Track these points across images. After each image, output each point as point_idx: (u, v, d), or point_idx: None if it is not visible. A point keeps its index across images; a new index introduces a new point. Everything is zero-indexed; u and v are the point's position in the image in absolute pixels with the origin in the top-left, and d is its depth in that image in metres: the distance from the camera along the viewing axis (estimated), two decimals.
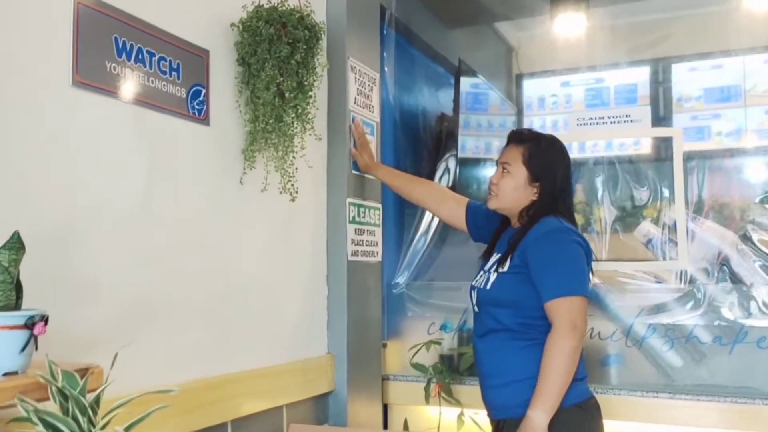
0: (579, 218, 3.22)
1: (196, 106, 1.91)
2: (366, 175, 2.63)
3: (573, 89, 4.56)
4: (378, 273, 2.76)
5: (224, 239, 2.03)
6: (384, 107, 2.89)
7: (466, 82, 3.96)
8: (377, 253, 2.74)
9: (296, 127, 2.09)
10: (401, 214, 2.98)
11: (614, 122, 2.60)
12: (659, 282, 2.62)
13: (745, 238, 2.54)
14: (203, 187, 1.95)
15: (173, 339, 1.84)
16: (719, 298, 2.48)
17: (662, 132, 3.11)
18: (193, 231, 1.91)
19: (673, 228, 2.57)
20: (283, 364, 2.28)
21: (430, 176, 3.07)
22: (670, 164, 2.76)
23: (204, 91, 1.94)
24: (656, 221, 2.69)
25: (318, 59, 2.15)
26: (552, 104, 4.65)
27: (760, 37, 3.77)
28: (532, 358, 1.92)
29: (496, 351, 2.02)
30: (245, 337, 2.12)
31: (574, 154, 4.35)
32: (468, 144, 3.88)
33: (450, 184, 3.05)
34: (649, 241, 2.64)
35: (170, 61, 1.82)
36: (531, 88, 4.72)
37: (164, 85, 1.80)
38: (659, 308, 2.55)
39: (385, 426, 2.86)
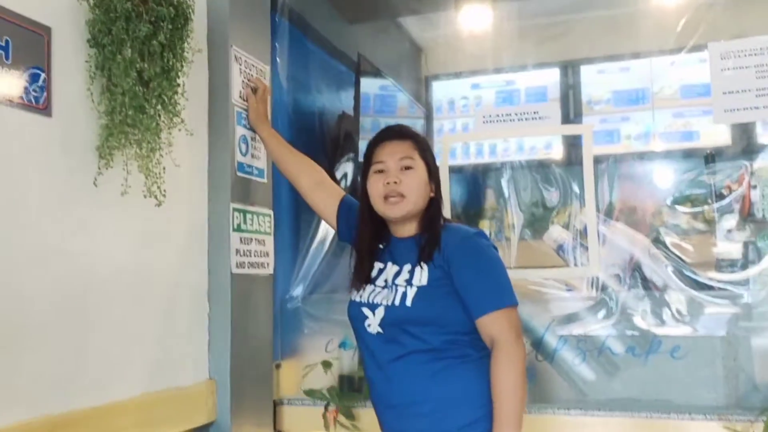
0: (490, 225, 3.05)
1: (33, 93, 1.60)
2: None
3: (483, 91, 4.42)
4: (269, 286, 2.48)
5: (74, 250, 1.72)
6: (276, 103, 2.63)
7: (374, 84, 3.76)
8: (268, 265, 2.47)
9: (162, 120, 1.81)
10: (296, 221, 2.72)
11: (522, 119, 2.43)
12: (570, 290, 2.46)
13: (657, 242, 2.41)
14: (45, 189, 1.64)
15: (6, 370, 1.52)
16: (632, 305, 2.34)
17: (572, 129, 2.99)
18: (32, 242, 1.60)
19: (585, 232, 2.42)
20: (152, 393, 1.98)
21: None
22: (581, 168, 2.64)
23: (43, 75, 1.64)
24: (567, 226, 2.54)
25: (189, 42, 1.88)
26: (462, 107, 4.50)
27: (667, 39, 3.72)
28: (463, 378, 1.73)
29: (417, 375, 1.76)
30: (104, 364, 1.81)
31: (485, 158, 4.25)
32: None
33: (348, 190, 2.81)
34: (560, 246, 2.48)
35: None
36: (440, 91, 4.57)
37: None
38: (570, 318, 2.39)
39: None
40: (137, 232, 1.93)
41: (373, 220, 1.87)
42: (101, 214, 1.80)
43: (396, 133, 1.88)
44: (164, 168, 1.85)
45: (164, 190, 1.85)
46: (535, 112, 2.42)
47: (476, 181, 3.43)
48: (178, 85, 1.82)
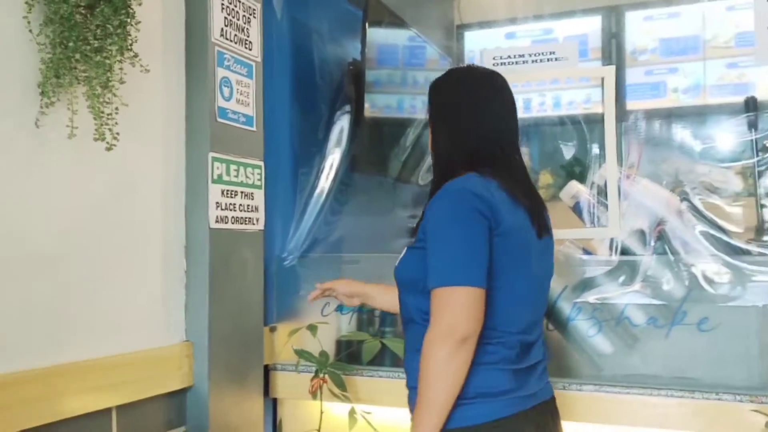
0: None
1: None
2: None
3: (518, 41, 4.11)
4: (259, 244, 2.31)
5: (19, 198, 1.57)
6: (271, 47, 2.42)
7: (402, 35, 3.53)
8: (258, 220, 2.29)
9: (110, 53, 1.62)
10: (293, 174, 2.53)
11: (536, 60, 2.16)
12: (588, 253, 2.20)
13: (688, 201, 2.12)
14: None
15: None
16: (656, 271, 2.07)
17: (591, 71, 2.69)
18: None
19: (605, 189, 2.15)
20: (119, 354, 1.83)
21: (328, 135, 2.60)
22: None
23: None
24: (586, 182, 2.27)
25: None
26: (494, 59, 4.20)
27: None
28: None
29: (406, 345, 1.63)
30: (66, 323, 1.68)
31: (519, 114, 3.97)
32: (405, 103, 3.45)
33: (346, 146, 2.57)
34: (577, 204, 2.21)
35: None
36: (473, 42, 4.27)
37: None
38: (586, 284, 2.14)
39: (274, 425, 2.44)
40: (95, 179, 1.77)
41: None
42: (47, 158, 1.64)
43: None
44: (116, 108, 1.67)
45: (117, 133, 1.67)
46: (551, 53, 2.14)
47: None
48: (126, 13, 1.62)
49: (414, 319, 1.56)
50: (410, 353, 1.58)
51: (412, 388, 1.55)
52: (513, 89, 1.74)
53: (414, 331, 1.56)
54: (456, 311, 1.39)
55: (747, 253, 1.99)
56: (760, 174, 2.10)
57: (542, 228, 1.60)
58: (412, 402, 1.51)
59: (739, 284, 1.99)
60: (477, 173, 1.55)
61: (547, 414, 1.56)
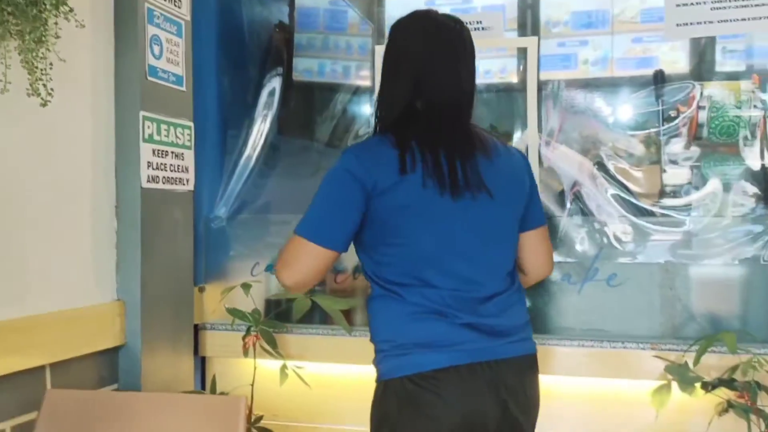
0: None
1: None
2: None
3: (438, 9, 4.19)
4: (189, 204, 2.31)
5: None
6: (202, 6, 2.39)
7: None
8: (188, 181, 2.29)
9: (45, 7, 1.59)
10: (222, 136, 2.53)
11: None
12: None
13: (601, 166, 2.28)
14: None
15: None
16: (571, 231, 2.23)
17: (515, 42, 2.81)
18: None
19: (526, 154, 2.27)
20: (49, 313, 1.82)
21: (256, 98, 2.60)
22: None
23: None
24: None
25: None
26: None
27: None
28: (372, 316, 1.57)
29: None
30: None
31: None
32: (326, 68, 3.46)
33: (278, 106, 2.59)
34: None
35: None
36: (394, 7, 4.32)
37: None
38: None
39: (203, 383, 2.47)
40: (25, 136, 1.73)
41: None
42: None
43: None
44: (51, 64, 1.64)
45: (51, 89, 1.64)
46: (478, 22, 2.23)
47: None
48: None
49: (368, 276, 1.59)
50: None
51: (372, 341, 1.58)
52: None
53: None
54: (289, 257, 1.50)
55: (651, 214, 2.18)
56: (665, 142, 2.28)
57: (471, 186, 1.49)
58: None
59: (643, 243, 2.17)
60: (381, 134, 1.55)
61: (508, 371, 1.49)
